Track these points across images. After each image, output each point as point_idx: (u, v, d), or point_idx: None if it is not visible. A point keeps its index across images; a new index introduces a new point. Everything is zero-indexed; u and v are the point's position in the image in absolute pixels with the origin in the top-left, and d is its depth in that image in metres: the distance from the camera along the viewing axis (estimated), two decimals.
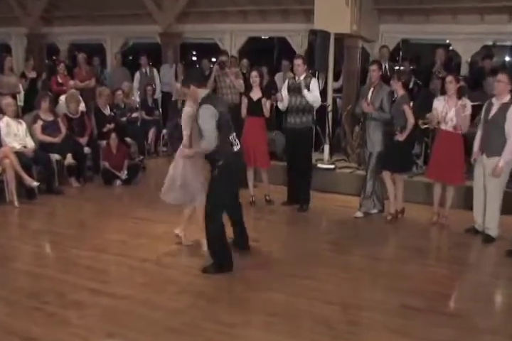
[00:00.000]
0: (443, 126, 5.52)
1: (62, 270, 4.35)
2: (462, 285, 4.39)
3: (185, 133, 4.47)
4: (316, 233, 5.66)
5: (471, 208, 5.57)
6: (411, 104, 6.69)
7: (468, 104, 5.44)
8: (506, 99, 5.12)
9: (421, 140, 7.09)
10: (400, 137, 5.60)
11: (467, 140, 5.66)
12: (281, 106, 6.26)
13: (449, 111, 5.44)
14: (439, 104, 5.56)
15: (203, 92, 4.22)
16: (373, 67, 5.75)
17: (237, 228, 4.71)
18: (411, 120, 5.60)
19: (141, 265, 4.46)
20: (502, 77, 5.10)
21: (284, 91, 6.21)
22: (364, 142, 5.95)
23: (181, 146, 4.59)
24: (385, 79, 6.11)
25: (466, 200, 6.02)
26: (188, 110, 4.49)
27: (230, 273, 4.22)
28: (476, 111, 5.70)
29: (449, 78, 5.48)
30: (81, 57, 9.52)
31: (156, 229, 5.42)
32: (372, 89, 5.76)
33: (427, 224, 5.76)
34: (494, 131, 5.08)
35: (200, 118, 4.07)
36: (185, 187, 4.68)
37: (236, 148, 4.26)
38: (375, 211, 6.05)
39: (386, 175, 5.84)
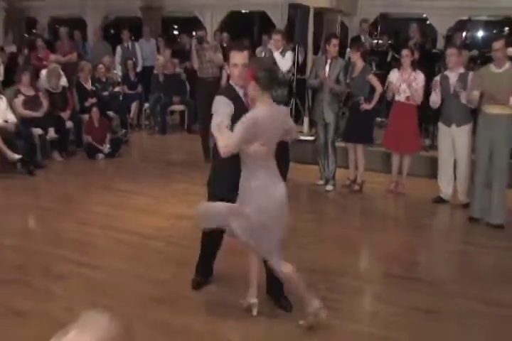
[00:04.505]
0: (397, 97, 5.60)
1: (47, 243, 4.25)
2: (435, 252, 4.39)
3: None
4: (296, 205, 5.62)
5: (432, 177, 5.65)
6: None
7: (420, 76, 5.50)
8: (461, 70, 5.20)
9: None
10: (367, 106, 5.66)
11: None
12: None
13: (402, 83, 5.50)
14: (393, 76, 5.61)
15: None
16: (335, 42, 5.65)
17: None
18: (379, 88, 5.65)
19: (125, 237, 4.38)
20: (452, 50, 5.18)
21: None
22: (320, 113, 5.81)
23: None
24: (365, 53, 6.07)
25: (426, 169, 6.13)
26: None
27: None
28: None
29: (405, 52, 5.56)
30: (63, 30, 9.13)
31: (139, 201, 5.34)
32: (329, 62, 5.72)
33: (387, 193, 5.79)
34: (459, 101, 5.08)
35: None
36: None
37: None
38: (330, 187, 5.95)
39: (350, 146, 5.89)
